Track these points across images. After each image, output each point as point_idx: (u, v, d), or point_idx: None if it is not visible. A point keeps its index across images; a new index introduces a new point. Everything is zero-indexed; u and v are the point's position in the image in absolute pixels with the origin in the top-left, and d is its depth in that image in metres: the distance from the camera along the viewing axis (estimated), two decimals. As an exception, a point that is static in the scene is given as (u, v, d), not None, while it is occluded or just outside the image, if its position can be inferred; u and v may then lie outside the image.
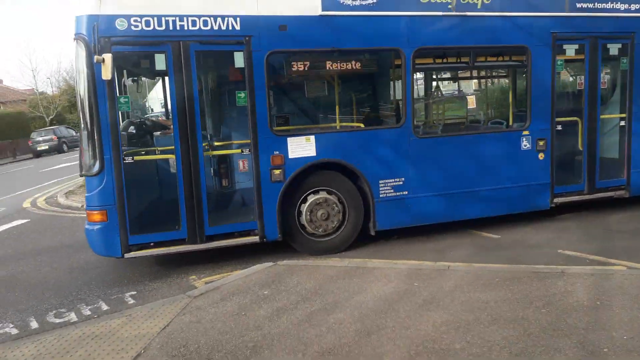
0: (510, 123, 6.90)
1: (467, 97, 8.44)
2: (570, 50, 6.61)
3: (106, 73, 4.76)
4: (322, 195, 5.83)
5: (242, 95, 5.38)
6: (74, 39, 4.92)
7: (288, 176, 5.57)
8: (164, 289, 5.15)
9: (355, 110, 7.03)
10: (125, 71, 6.04)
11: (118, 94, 5.10)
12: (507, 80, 8.56)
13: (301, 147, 5.61)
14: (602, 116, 6.97)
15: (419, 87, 7.72)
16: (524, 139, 6.48)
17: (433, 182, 6.17)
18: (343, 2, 5.59)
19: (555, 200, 6.76)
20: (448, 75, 8.60)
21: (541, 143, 6.51)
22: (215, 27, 5.19)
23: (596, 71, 6.71)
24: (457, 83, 8.93)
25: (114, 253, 5.18)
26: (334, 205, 5.86)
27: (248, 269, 5.34)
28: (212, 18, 5.18)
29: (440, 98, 8.24)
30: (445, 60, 7.20)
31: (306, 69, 5.64)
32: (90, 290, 5.32)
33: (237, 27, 5.26)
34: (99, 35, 4.84)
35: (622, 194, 7.11)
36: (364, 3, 5.65)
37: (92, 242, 5.21)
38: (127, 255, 5.19)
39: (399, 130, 5.99)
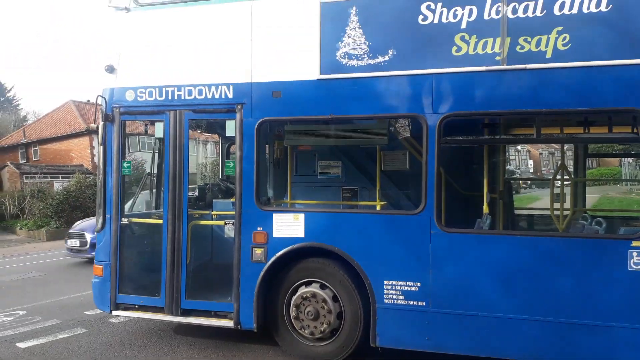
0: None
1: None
2: None
3: (101, 139, 5.21)
4: (311, 288, 4.89)
5: (231, 164, 5.07)
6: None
7: (270, 257, 4.87)
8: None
9: (361, 189, 5.75)
10: (136, 138, 6.46)
11: (123, 159, 5.46)
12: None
13: (287, 226, 4.86)
14: None
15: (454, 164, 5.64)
16: (636, 255, 4.09)
17: (464, 296, 4.46)
18: (346, 63, 4.70)
19: (700, 362, 4.01)
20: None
21: None
22: (209, 96, 5.07)
23: None
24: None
25: (105, 308, 5.45)
26: (324, 303, 4.83)
27: None
28: (206, 87, 5.08)
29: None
30: (492, 131, 5.24)
31: (302, 138, 4.94)
32: None
33: (230, 95, 5.01)
34: (111, 105, 5.32)
35: None
36: (372, 62, 4.63)
37: (93, 294, 5.60)
38: (114, 313, 5.38)
39: (416, 219, 4.55)
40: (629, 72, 4.08)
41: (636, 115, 4.06)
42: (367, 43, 4.66)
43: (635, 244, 4.06)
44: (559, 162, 5.61)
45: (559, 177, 5.47)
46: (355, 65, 4.69)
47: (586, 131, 5.22)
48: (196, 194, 6.33)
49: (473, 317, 4.44)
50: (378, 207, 5.19)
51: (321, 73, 4.78)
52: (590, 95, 4.19)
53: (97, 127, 5.40)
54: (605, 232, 4.71)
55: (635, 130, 4.10)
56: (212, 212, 5.90)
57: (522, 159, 27.79)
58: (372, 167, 5.72)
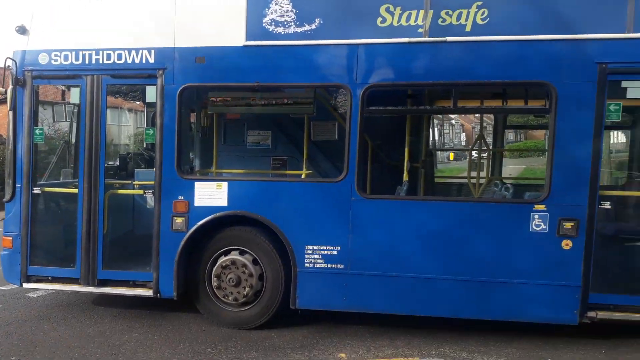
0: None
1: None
2: (636, 89, 4.28)
3: (10, 105, 4.91)
4: (230, 256, 4.91)
5: (151, 132, 4.94)
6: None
7: (192, 226, 4.84)
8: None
9: (290, 158, 5.85)
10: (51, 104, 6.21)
11: (35, 126, 5.18)
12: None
13: (210, 195, 4.83)
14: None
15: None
16: (537, 217, 4.40)
17: (382, 258, 4.66)
18: (273, 31, 4.67)
19: (591, 314, 4.42)
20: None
21: (568, 225, 4.34)
22: (129, 60, 4.88)
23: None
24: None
25: (15, 281, 5.23)
26: (244, 267, 4.88)
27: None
28: (126, 51, 4.88)
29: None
30: (415, 102, 5.44)
31: (227, 106, 4.89)
32: (226, 350, 4.57)
33: (151, 60, 4.85)
34: (22, 68, 5.01)
35: None
36: (299, 30, 4.63)
37: (2, 267, 5.35)
38: (25, 285, 5.19)
39: (338, 186, 4.67)
40: (542, 47, 4.32)
41: (548, 88, 4.31)
42: (295, 11, 4.64)
43: (536, 207, 4.38)
44: (478, 134, 5.90)
45: (477, 147, 5.76)
46: (282, 33, 4.66)
47: (505, 104, 5.48)
48: (117, 163, 6.14)
49: (389, 278, 4.66)
50: (303, 176, 5.26)
51: (247, 40, 4.72)
52: (506, 69, 4.42)
53: (6, 91, 5.08)
54: (512, 197, 5.02)
55: (546, 103, 4.36)
56: (134, 182, 5.76)
57: (455, 132, 28.90)
58: (302, 137, 5.76)
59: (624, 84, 4.24)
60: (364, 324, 5.08)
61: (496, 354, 4.47)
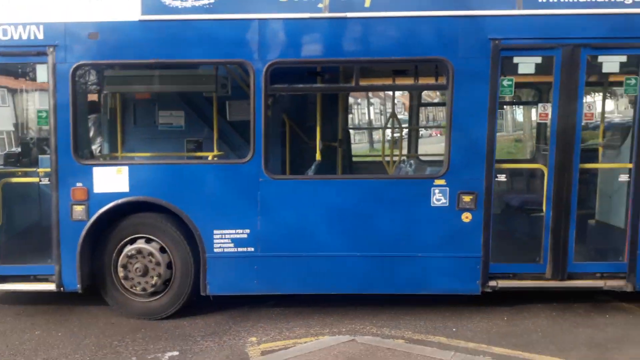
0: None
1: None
2: (527, 65, 4.42)
3: None
4: (136, 245, 4.71)
5: (44, 114, 4.63)
6: None
7: (92, 215, 4.60)
8: (213, 353, 4.20)
9: (206, 140, 5.71)
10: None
11: None
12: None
13: (110, 181, 4.60)
14: (584, 165, 4.56)
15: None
16: (437, 191, 4.50)
17: (292, 239, 4.64)
18: (169, 4, 4.45)
19: (492, 283, 4.60)
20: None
21: (467, 199, 4.47)
22: (16, 36, 4.51)
23: (573, 96, 4.38)
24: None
25: None
26: (150, 256, 4.70)
27: (316, 341, 4.30)
28: (12, 26, 4.50)
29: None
30: (323, 80, 5.39)
31: (124, 85, 4.66)
32: (134, 342, 4.44)
33: (40, 36, 4.51)
34: None
35: (620, 285, 4.57)
36: (197, 4, 4.44)
37: None
38: None
39: (245, 168, 4.57)
40: (438, 23, 4.37)
41: (444, 64, 4.37)
42: None
43: (437, 182, 4.47)
44: (390, 112, 5.96)
45: (389, 125, 5.81)
46: (180, 7, 4.46)
47: (416, 81, 5.52)
48: (19, 150, 5.73)
49: (300, 258, 4.65)
50: (210, 158, 5.11)
51: (143, 14, 4.49)
52: (405, 45, 4.43)
53: None
54: (414, 173, 5.12)
55: (443, 80, 4.42)
56: (39, 169, 5.40)
57: (398, 110, 29.41)
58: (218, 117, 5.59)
59: (515, 59, 4.37)
60: (281, 306, 5.07)
61: (404, 327, 4.58)
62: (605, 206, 4.96)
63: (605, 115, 5.55)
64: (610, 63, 4.30)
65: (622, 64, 4.35)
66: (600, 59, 4.32)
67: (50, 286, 4.74)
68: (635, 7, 4.20)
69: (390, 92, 6.74)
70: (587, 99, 5.53)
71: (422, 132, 14.66)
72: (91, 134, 6.31)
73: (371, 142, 17.44)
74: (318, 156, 5.17)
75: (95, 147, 6.06)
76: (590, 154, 5.10)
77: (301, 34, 4.46)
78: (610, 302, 4.99)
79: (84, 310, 5.10)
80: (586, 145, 5.36)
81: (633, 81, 4.31)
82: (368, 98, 18.48)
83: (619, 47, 4.27)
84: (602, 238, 5.00)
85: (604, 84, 5.59)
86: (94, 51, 4.52)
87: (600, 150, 5.19)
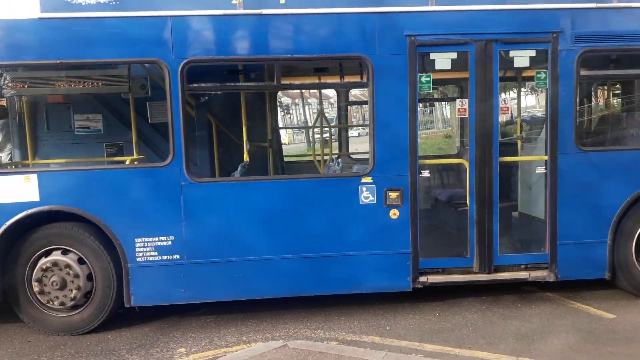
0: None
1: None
2: (443, 61, 4.47)
3: None
4: (51, 257, 4.41)
5: None
6: None
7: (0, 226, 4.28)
8: (137, 366, 4.00)
9: (127, 144, 5.50)
10: None
11: None
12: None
13: (17, 190, 4.28)
14: (503, 158, 4.68)
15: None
16: (365, 189, 4.48)
17: (219, 244, 4.48)
18: (72, 1, 4.21)
19: (422, 279, 4.63)
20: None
21: (393, 195, 4.47)
22: None
23: (489, 91, 4.47)
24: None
25: None
26: (68, 268, 4.42)
27: (248, 349, 4.10)
28: None
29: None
30: (243, 78, 5.31)
31: (25, 87, 4.36)
32: (62, 354, 4.23)
33: None
34: None
35: (544, 275, 4.72)
36: (102, 1, 4.22)
37: None
38: None
39: (165, 171, 4.38)
40: (355, 20, 4.34)
41: (364, 62, 4.35)
42: None
43: (364, 180, 4.45)
44: (319, 110, 5.91)
45: (318, 124, 5.76)
46: (84, 3, 4.23)
47: (342, 79, 5.51)
48: None
49: (230, 263, 4.50)
50: (128, 162, 4.86)
51: (43, 11, 4.24)
52: (323, 43, 4.38)
53: None
54: (342, 171, 5.10)
55: (363, 77, 4.41)
56: None
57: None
58: (138, 120, 5.33)
59: (432, 55, 4.42)
60: (213, 313, 4.90)
61: (338, 328, 4.53)
62: (527, 198, 5.11)
63: (527, 109, 5.73)
64: (522, 57, 4.43)
65: (532, 59, 4.48)
66: (512, 53, 4.43)
67: None
68: (542, 2, 4.35)
69: (325, 91, 6.69)
70: (508, 94, 5.68)
71: (359, 131, 14.85)
72: (-1, 140, 5.91)
73: (309, 142, 17.49)
74: (246, 157, 5.04)
75: (4, 155, 5.65)
76: (511, 148, 5.26)
77: (216, 32, 4.32)
78: (536, 292, 5.15)
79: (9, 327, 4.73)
80: (506, 139, 5.53)
81: (543, 75, 4.46)
82: (304, 98, 18.48)
83: (528, 41, 4.40)
84: (525, 230, 5.16)
85: (519, 79, 5.79)
86: None
87: (519, 143, 5.37)
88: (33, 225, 4.41)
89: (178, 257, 4.44)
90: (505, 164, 4.74)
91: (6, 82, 4.52)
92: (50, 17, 4.19)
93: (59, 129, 5.53)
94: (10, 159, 5.60)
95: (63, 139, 5.55)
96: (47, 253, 4.45)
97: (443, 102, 6.68)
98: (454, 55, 4.38)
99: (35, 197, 4.29)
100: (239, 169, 4.98)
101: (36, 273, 4.41)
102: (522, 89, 5.88)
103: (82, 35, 4.21)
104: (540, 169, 4.65)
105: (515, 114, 5.22)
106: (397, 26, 4.29)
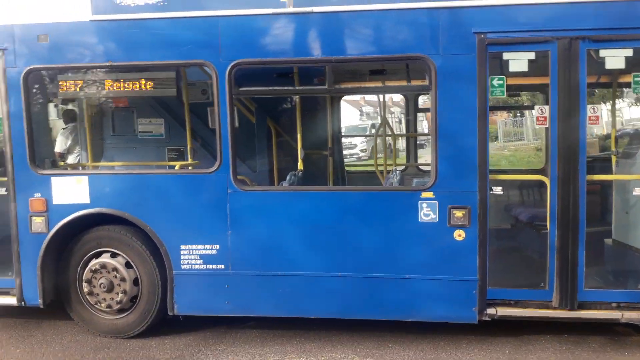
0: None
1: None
2: (519, 62, 3.84)
3: None
4: (100, 259, 4.40)
5: None
6: None
7: (52, 227, 4.32)
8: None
9: (183, 147, 5.34)
10: None
11: None
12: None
13: (70, 192, 4.31)
14: (592, 177, 3.93)
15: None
16: (425, 206, 3.98)
17: (265, 256, 4.22)
18: (121, 3, 4.14)
19: (490, 311, 4.03)
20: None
21: (459, 214, 3.93)
22: None
23: (574, 97, 3.79)
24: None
25: None
26: (115, 272, 4.38)
27: None
28: None
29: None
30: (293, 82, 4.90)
31: (79, 90, 4.38)
32: (104, 357, 4.23)
33: None
34: None
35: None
36: (151, 2, 4.11)
37: None
38: None
39: (212, 178, 4.19)
40: (416, 16, 3.88)
41: (426, 63, 3.88)
42: None
43: (424, 195, 3.96)
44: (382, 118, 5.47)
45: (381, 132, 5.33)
46: (132, 5, 4.15)
47: (409, 82, 5.04)
48: None
49: (276, 277, 4.22)
50: (177, 167, 4.76)
51: (94, 13, 4.20)
52: (381, 43, 3.99)
53: None
54: (400, 184, 4.61)
55: (426, 80, 3.93)
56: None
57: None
58: (198, 125, 5.25)
59: (505, 55, 3.83)
60: (261, 327, 4.65)
61: (390, 358, 4.07)
62: (623, 224, 4.31)
63: (629, 121, 4.89)
64: (615, 58, 3.66)
65: (628, 60, 3.72)
66: (603, 53, 3.68)
67: (11, 300, 4.51)
68: None
69: (388, 96, 6.23)
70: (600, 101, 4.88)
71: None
72: (69, 143, 6.12)
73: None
74: (300, 165, 4.75)
75: (74, 157, 5.84)
76: (604, 164, 4.47)
77: (264, 32, 4.07)
78: (632, 335, 4.32)
79: (51, 325, 4.83)
80: (598, 154, 4.73)
81: None
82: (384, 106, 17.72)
83: (623, 39, 3.63)
84: (620, 261, 4.35)
85: (613, 84, 4.91)
86: (44, 55, 4.26)
87: (614, 159, 4.55)
88: (85, 227, 4.43)
89: (223, 267, 4.24)
90: (594, 182, 4.01)
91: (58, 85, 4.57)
92: (101, 19, 4.19)
93: (124, 133, 5.63)
94: (79, 160, 5.78)
95: (128, 142, 5.63)
96: (97, 255, 4.46)
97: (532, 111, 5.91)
98: (531, 55, 3.75)
99: (86, 200, 4.30)
100: (288, 177, 4.70)
101: (86, 274, 4.43)
102: (618, 96, 5.01)
103: (130, 37, 4.18)
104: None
105: (609, 125, 4.41)
106: (463, 22, 3.76)
